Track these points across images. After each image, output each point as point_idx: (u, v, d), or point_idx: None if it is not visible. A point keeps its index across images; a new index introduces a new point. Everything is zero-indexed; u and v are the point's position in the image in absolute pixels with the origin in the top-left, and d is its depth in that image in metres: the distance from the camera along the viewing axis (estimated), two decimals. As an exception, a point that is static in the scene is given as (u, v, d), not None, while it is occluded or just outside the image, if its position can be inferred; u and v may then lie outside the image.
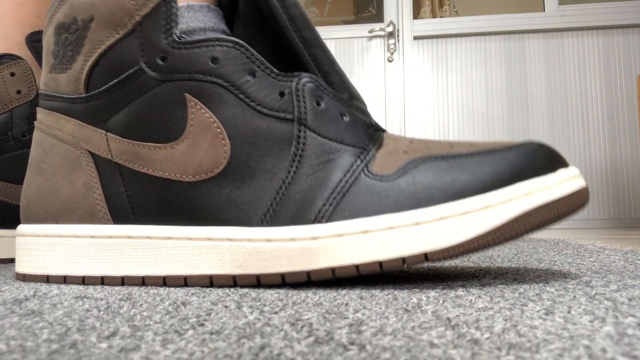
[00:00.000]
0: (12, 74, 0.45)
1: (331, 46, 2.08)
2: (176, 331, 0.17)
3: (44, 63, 0.32)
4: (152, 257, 0.28)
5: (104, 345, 0.15)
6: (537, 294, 0.23)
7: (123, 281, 0.28)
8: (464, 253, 0.24)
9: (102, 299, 0.23)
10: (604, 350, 0.13)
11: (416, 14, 2.09)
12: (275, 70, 0.27)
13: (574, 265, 0.34)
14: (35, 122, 0.32)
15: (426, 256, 0.24)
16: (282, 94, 0.27)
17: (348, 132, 0.27)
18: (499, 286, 0.25)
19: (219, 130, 0.26)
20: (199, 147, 0.27)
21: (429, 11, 2.12)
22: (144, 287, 0.27)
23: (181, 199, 0.27)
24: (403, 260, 0.24)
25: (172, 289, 0.26)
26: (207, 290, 0.26)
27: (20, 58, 0.45)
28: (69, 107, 0.30)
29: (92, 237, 0.29)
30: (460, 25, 2.03)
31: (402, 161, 0.26)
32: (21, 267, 0.31)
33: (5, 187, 0.45)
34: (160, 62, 0.27)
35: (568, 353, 0.13)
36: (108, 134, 0.28)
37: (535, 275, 0.29)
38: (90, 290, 0.26)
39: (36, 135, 0.32)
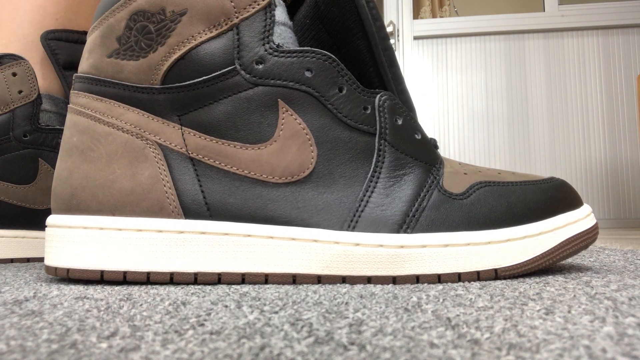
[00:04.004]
0: (14, 74, 0.45)
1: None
2: (176, 331, 0.17)
3: (96, 46, 0.30)
4: (230, 254, 0.28)
5: (104, 345, 0.15)
6: (537, 294, 0.23)
7: (196, 278, 0.28)
8: (522, 272, 0.28)
9: (102, 299, 0.23)
10: (604, 350, 0.13)
11: (416, 14, 2.09)
12: (360, 86, 0.29)
13: (574, 265, 0.34)
14: (72, 106, 0.30)
15: (496, 272, 0.28)
16: (365, 109, 0.29)
17: (421, 149, 0.30)
18: (499, 286, 0.25)
19: (308, 136, 0.28)
20: (288, 150, 0.28)
21: (429, 11, 2.12)
22: (144, 287, 0.27)
23: (264, 199, 0.28)
24: (477, 274, 0.28)
25: (172, 288, 0.26)
26: (207, 290, 0.26)
27: (22, 58, 0.45)
28: (131, 95, 0.29)
29: (159, 231, 0.28)
30: (460, 25, 2.03)
31: (467, 182, 0.30)
32: (64, 261, 0.28)
33: (6, 187, 0.45)
34: (256, 66, 0.28)
35: (568, 353, 0.13)
36: (184, 128, 0.28)
37: (535, 275, 0.29)
38: (91, 290, 0.26)
39: (78, 120, 0.30)
